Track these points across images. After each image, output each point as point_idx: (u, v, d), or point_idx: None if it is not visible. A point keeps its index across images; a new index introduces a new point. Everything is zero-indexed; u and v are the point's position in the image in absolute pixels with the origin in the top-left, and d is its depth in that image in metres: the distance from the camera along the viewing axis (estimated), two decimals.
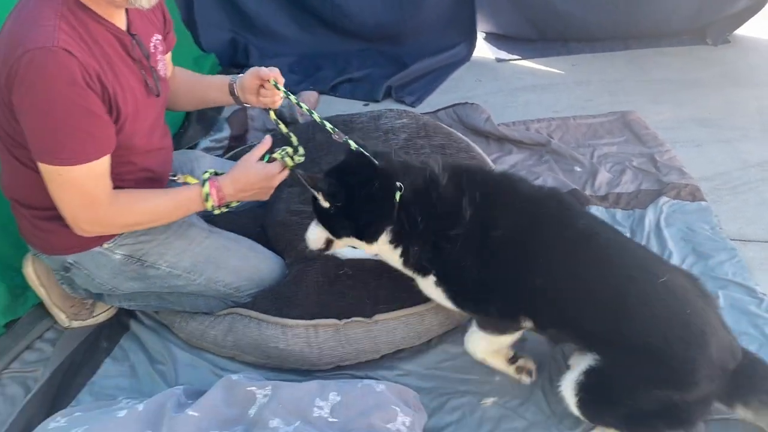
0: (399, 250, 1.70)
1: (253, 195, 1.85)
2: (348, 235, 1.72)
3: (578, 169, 2.82)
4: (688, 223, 2.44)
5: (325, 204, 1.66)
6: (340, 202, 1.65)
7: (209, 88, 2.14)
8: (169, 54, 2.04)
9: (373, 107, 3.44)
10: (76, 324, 2.09)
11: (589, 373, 1.56)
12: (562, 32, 4.01)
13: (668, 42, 3.98)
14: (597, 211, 2.54)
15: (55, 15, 1.48)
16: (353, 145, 1.74)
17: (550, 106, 3.38)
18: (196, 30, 3.84)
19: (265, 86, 1.93)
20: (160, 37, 1.87)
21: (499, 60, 3.95)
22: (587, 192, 2.66)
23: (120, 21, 1.66)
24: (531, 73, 3.79)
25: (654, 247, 2.34)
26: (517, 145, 3.01)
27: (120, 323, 2.14)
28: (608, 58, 3.89)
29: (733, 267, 2.22)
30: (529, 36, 4.05)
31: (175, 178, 2.12)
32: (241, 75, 2.01)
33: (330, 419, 1.57)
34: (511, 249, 1.60)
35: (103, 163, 1.61)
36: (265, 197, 1.89)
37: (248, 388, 1.63)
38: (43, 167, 1.55)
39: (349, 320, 1.90)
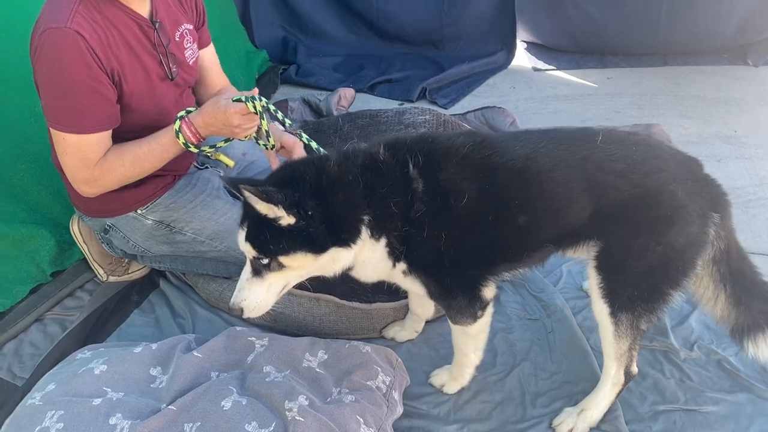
0: (383, 242, 1.55)
1: (217, 129, 1.85)
2: (318, 249, 1.48)
3: None
4: None
5: (290, 219, 1.43)
6: (309, 210, 1.43)
7: None
8: (211, 54, 2.21)
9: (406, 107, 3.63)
10: (112, 279, 2.34)
11: (599, 255, 1.62)
12: (600, 46, 4.11)
13: (708, 60, 4.02)
14: None
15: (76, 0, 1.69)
16: (304, 136, 1.89)
17: (579, 115, 3.49)
18: (250, 26, 4.12)
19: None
20: (190, 26, 2.05)
21: (536, 69, 4.08)
22: None
23: (141, 7, 1.85)
24: (565, 84, 3.90)
25: None
26: None
27: (151, 281, 2.38)
28: (644, 72, 3.96)
29: None
30: (568, 48, 4.17)
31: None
32: None
33: (317, 370, 1.75)
34: (471, 204, 1.52)
35: (101, 135, 1.79)
36: (230, 134, 1.87)
37: (248, 338, 1.83)
38: (51, 130, 1.77)
39: (351, 303, 2.08)
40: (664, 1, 3.88)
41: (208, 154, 2.02)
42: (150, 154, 1.87)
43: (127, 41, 1.82)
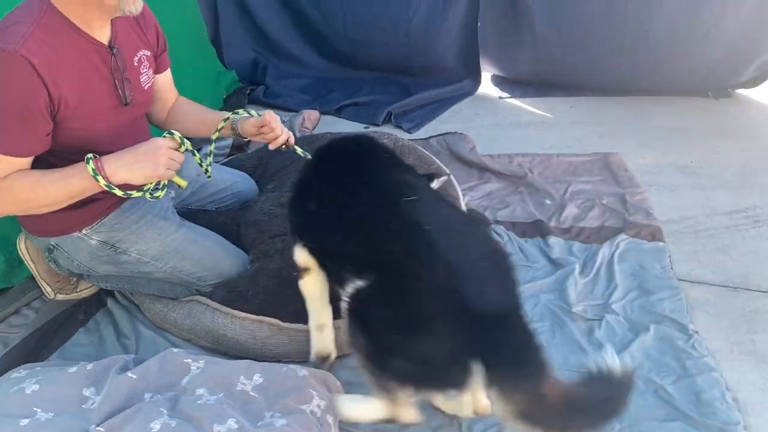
0: None
1: (143, 166, 1.83)
2: None
3: (548, 202, 2.97)
4: (640, 261, 2.55)
5: None
6: None
7: (212, 125, 2.20)
8: (168, 76, 2.26)
9: (371, 131, 3.67)
10: (60, 297, 2.33)
11: (357, 290, 1.64)
12: (564, 81, 4.15)
13: (670, 92, 4.08)
14: (557, 242, 2.68)
15: (33, 21, 1.69)
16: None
17: (540, 143, 3.53)
18: (220, 47, 4.15)
19: (264, 130, 2.07)
20: (148, 52, 2.07)
21: (500, 97, 4.14)
22: (552, 224, 2.80)
23: (101, 34, 1.86)
24: (528, 112, 3.96)
25: (602, 280, 2.47)
26: (497, 176, 3.17)
27: (99, 300, 2.37)
28: (607, 102, 4.02)
29: (673, 304, 2.32)
30: (531, 81, 4.21)
31: None
32: (241, 117, 2.14)
33: (251, 393, 1.75)
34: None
35: (11, 159, 1.74)
36: (158, 168, 1.84)
37: (185, 360, 1.83)
38: None
39: (294, 325, 2.08)
40: (626, 46, 3.89)
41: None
42: (52, 183, 1.79)
43: (81, 67, 1.82)
